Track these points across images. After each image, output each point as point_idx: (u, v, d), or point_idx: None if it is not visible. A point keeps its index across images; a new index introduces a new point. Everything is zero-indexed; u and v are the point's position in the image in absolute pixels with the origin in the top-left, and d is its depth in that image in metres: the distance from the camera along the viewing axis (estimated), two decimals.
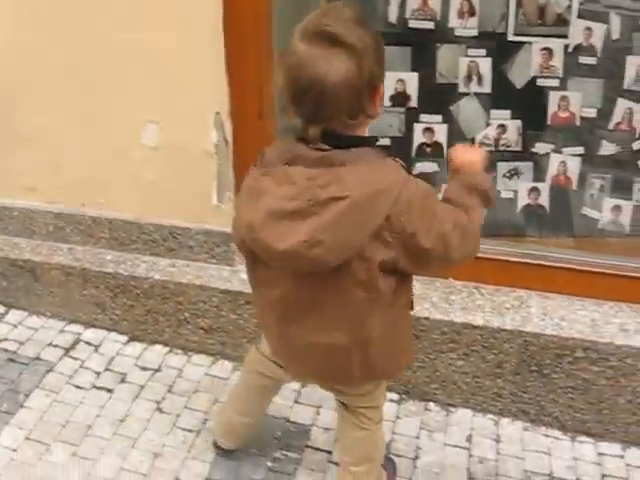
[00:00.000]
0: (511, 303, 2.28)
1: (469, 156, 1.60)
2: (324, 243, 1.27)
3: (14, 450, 2.17)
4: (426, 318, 2.23)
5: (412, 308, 1.61)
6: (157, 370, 2.47)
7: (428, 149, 2.49)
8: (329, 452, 2.16)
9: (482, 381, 2.28)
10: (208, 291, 2.42)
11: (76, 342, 2.59)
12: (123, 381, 2.42)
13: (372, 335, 1.46)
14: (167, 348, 2.56)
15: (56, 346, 2.57)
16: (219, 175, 2.36)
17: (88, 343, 2.59)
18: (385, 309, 1.44)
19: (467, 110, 2.42)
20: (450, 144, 2.40)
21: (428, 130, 2.47)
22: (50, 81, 2.36)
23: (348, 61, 1.24)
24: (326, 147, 1.30)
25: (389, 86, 2.34)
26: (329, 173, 1.28)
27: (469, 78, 2.37)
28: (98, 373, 2.46)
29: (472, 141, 2.42)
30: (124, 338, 2.60)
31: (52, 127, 2.42)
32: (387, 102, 2.38)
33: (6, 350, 2.56)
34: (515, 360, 2.20)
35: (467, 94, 2.39)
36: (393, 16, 2.31)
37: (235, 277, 2.45)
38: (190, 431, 2.23)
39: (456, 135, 2.43)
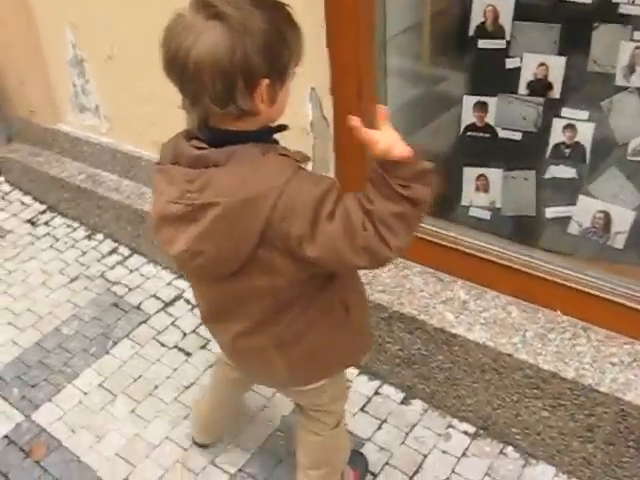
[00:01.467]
0: (620, 358, 1.83)
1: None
2: (204, 253, 1.19)
3: (85, 394, 2.27)
4: (509, 355, 1.88)
5: (347, 309, 1.41)
6: None
7: (567, 150, 2.04)
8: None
9: (569, 440, 1.89)
10: None
11: (177, 298, 2.63)
12: (204, 347, 2.40)
13: (287, 336, 1.35)
14: None
15: (158, 298, 2.63)
16: (314, 154, 2.17)
17: (187, 301, 2.60)
18: (301, 309, 1.32)
19: (623, 108, 1.92)
20: (595, 148, 1.95)
21: (570, 128, 2.02)
22: None
23: (220, 38, 1.07)
24: (203, 145, 1.18)
25: (529, 69, 1.94)
26: (204, 175, 1.16)
27: (631, 69, 1.87)
28: (185, 334, 2.47)
29: (625, 148, 1.94)
30: None
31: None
32: (523, 89, 1.98)
33: (115, 294, 2.67)
34: (609, 428, 1.79)
35: (626, 88, 1.89)
36: None
37: None
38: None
39: (604, 138, 1.96)
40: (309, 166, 2.06)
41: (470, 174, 2.14)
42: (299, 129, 2.14)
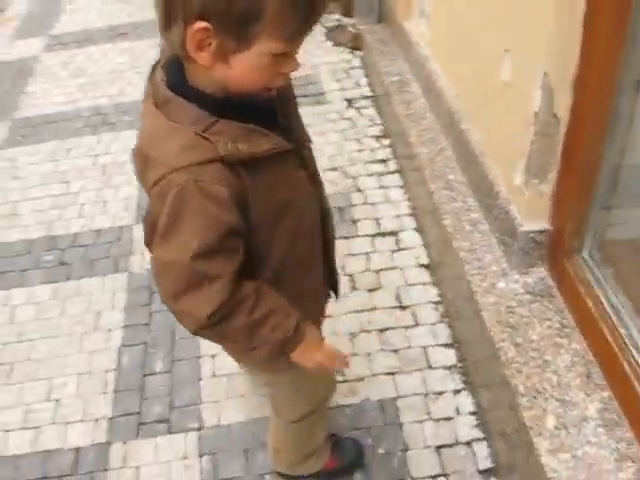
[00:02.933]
0: None
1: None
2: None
3: None
4: None
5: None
6: None
7: None
8: None
9: None
10: None
11: None
12: None
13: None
14: None
15: None
16: (530, 153, 1.77)
17: None
18: None
19: None
20: None
21: None
22: None
23: None
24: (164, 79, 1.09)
25: None
26: (144, 114, 1.11)
27: None
28: None
29: None
30: None
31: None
32: None
33: None
34: None
35: None
36: None
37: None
38: None
39: None
40: (520, 163, 1.78)
41: None
42: (519, 114, 1.75)
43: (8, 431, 2.06)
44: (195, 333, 1.16)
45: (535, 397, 1.64)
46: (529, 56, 1.72)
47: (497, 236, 2.03)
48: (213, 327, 1.12)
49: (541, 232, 1.86)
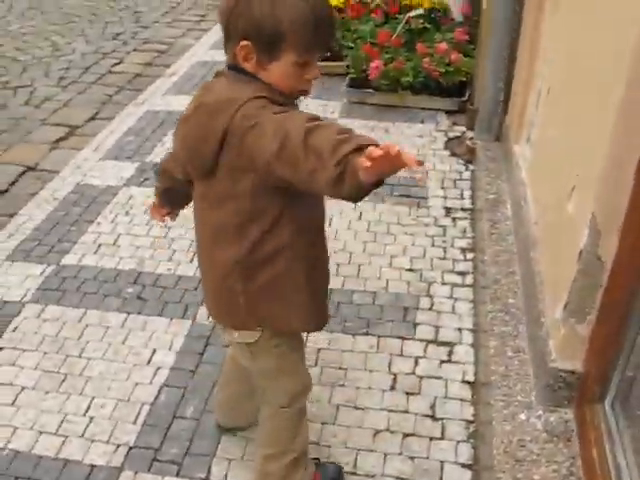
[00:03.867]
0: None
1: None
2: (186, 140, 1.51)
3: None
4: None
5: (314, 267, 1.63)
6: None
7: None
8: None
9: None
10: None
11: None
12: None
13: (229, 262, 1.54)
14: None
15: None
16: (572, 288, 1.76)
17: None
18: (242, 233, 1.51)
19: None
20: None
21: None
22: None
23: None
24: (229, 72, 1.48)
25: None
26: (213, 83, 1.50)
27: None
28: None
29: None
30: None
31: None
32: None
33: None
34: None
35: None
36: None
37: None
38: None
39: None
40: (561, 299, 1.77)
41: None
42: (571, 251, 1.75)
43: (41, 433, 2.23)
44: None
45: None
46: (585, 195, 1.74)
47: (533, 368, 2.00)
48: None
49: (572, 373, 1.82)
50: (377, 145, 1.14)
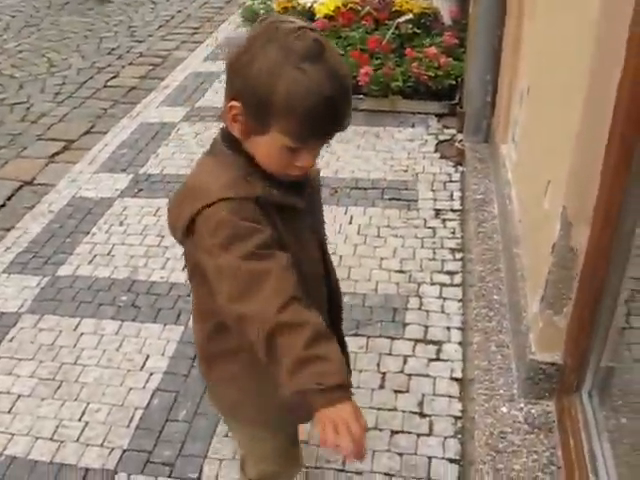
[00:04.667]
0: None
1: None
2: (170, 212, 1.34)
3: None
4: None
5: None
6: None
7: None
8: None
9: None
10: None
11: None
12: None
13: (197, 341, 1.48)
14: None
15: None
16: (548, 281, 1.80)
17: None
18: (203, 319, 1.43)
19: None
20: None
21: None
22: None
23: (243, 48, 1.18)
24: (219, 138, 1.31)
25: None
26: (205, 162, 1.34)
27: None
28: None
29: None
30: None
31: None
32: None
33: None
34: None
35: None
36: None
37: None
38: None
39: None
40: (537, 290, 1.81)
41: None
42: (542, 240, 1.80)
43: (37, 438, 2.27)
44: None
45: None
46: (558, 190, 1.78)
47: (515, 361, 2.04)
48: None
49: (552, 365, 1.85)
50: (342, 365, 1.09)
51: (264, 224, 1.20)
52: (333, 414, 1.06)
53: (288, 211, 1.27)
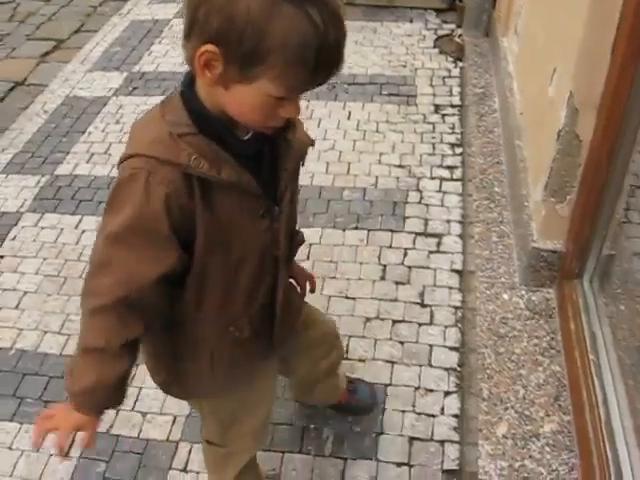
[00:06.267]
0: None
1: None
2: None
3: None
4: None
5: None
6: None
7: None
8: None
9: None
10: None
11: None
12: None
13: None
14: None
15: None
16: (553, 169, 1.80)
17: None
18: None
19: None
20: None
21: None
22: None
23: None
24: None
25: None
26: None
27: None
28: None
29: None
30: None
31: None
32: None
33: None
34: None
35: None
36: None
37: None
38: None
39: None
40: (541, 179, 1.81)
41: None
42: (547, 129, 1.78)
43: (46, 332, 2.32)
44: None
45: (495, 404, 1.68)
46: (565, 76, 1.75)
47: (517, 250, 2.06)
48: None
49: (553, 252, 1.87)
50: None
51: (181, 199, 1.05)
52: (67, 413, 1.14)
53: (231, 189, 1.09)
